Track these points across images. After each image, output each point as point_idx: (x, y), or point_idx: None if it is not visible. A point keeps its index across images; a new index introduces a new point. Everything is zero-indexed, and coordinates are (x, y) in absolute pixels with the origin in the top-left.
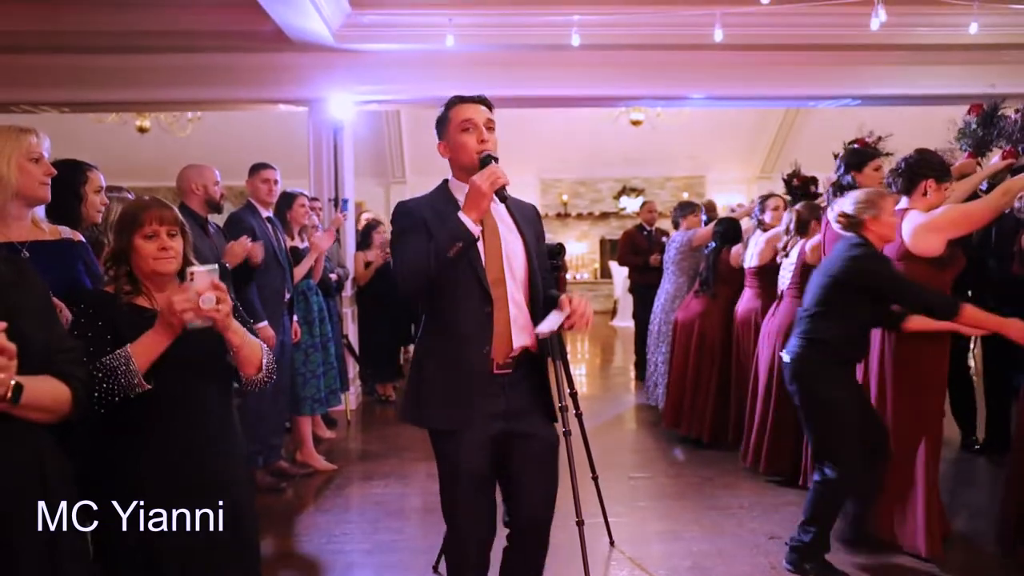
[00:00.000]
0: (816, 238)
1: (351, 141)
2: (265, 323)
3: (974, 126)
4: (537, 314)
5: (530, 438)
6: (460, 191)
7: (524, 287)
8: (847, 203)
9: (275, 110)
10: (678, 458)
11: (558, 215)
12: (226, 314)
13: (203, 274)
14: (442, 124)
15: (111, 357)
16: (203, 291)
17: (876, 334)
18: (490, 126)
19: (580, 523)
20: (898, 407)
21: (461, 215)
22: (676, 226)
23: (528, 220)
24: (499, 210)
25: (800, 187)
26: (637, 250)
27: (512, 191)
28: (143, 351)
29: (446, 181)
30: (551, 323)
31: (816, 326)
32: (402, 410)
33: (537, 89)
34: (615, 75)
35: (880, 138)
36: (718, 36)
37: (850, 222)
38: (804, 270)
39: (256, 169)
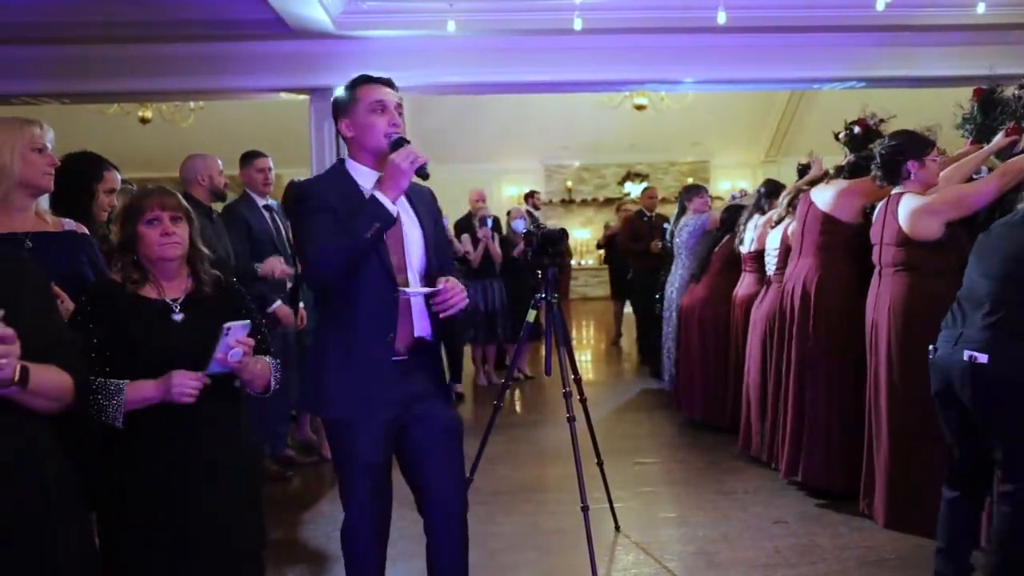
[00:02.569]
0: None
1: None
2: (279, 302)
3: (975, 112)
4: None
5: (429, 420)
6: (360, 174)
7: (421, 277)
8: None
9: (277, 99)
10: (683, 443)
11: (562, 201)
12: (246, 364)
13: (238, 329)
14: (346, 103)
15: (108, 381)
16: (234, 346)
17: None
18: (400, 111)
19: (585, 508)
20: None
21: (378, 194)
22: (683, 210)
23: (426, 207)
24: (400, 199)
25: None
26: (637, 237)
27: (516, 178)
28: (136, 394)
29: (341, 161)
30: (419, 291)
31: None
32: (299, 398)
33: (540, 74)
34: (618, 59)
35: (882, 120)
36: (721, 19)
37: None
38: (787, 254)
39: (250, 158)
